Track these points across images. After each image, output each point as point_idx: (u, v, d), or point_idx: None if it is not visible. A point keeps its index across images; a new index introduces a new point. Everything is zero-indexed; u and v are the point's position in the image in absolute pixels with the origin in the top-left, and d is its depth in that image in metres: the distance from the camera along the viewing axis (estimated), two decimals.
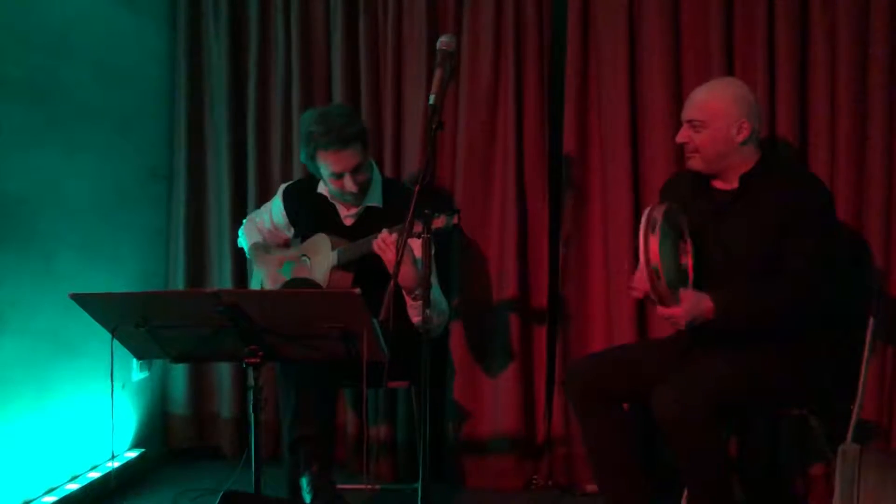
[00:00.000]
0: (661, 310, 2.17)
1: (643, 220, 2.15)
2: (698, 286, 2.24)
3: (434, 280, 2.63)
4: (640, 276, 2.23)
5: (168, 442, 3.33)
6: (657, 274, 2.11)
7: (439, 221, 2.02)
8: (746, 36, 2.77)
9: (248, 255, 2.96)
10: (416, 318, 2.45)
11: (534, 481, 3.00)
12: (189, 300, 2.01)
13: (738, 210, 2.31)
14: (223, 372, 3.28)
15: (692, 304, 2.15)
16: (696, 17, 2.81)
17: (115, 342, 2.00)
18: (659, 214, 2.15)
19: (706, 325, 2.18)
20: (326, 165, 2.56)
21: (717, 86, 2.39)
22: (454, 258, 3.02)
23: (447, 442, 3.04)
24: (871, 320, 2.37)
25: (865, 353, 2.34)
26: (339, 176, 2.56)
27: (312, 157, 2.58)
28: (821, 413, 2.33)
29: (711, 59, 2.77)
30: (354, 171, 2.56)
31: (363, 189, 2.62)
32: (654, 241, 2.11)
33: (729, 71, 2.76)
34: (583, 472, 2.89)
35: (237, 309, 1.91)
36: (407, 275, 2.37)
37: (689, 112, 2.35)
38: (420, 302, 2.01)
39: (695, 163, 2.37)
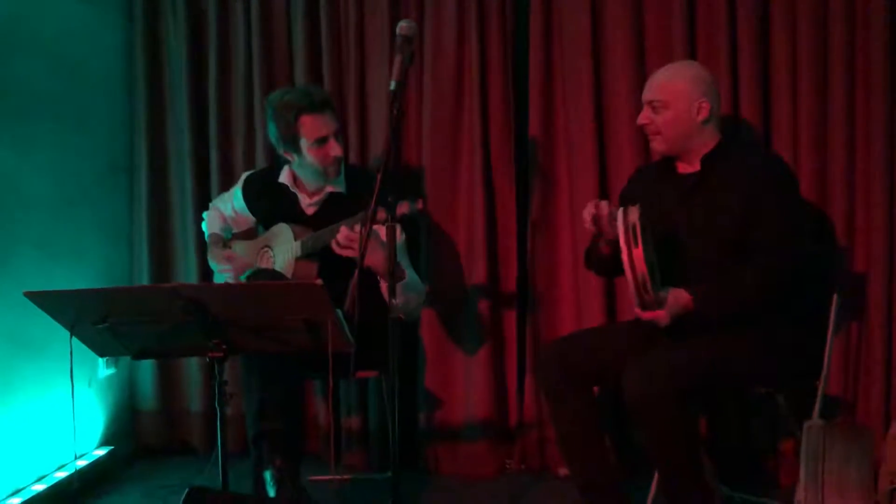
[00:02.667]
0: (643, 314, 2.12)
1: (621, 228, 2.04)
2: (668, 275, 2.19)
3: (407, 263, 2.61)
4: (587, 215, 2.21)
5: (138, 438, 3.28)
6: (645, 283, 2.04)
7: (403, 207, 2.00)
8: (709, 19, 2.76)
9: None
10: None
11: (507, 466, 3.01)
12: (147, 296, 1.97)
13: (701, 193, 2.31)
14: (192, 366, 3.24)
15: (671, 302, 2.13)
16: (660, 3, 2.80)
17: (75, 340, 1.96)
18: (636, 218, 2.04)
19: (685, 318, 2.15)
20: (310, 131, 2.52)
21: (675, 67, 2.40)
22: (422, 245, 3.00)
23: (419, 430, 3.03)
24: (836, 297, 2.38)
25: (830, 330, 2.35)
26: (324, 140, 2.53)
27: (291, 127, 2.52)
28: (787, 390, 2.34)
29: (674, 45, 2.77)
30: (336, 137, 2.55)
31: (346, 156, 2.57)
32: (639, 252, 2.02)
33: (692, 56, 2.76)
34: (555, 456, 2.90)
35: (198, 303, 1.88)
36: (377, 259, 2.34)
37: (649, 93, 2.35)
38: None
39: (657, 144, 2.37)
